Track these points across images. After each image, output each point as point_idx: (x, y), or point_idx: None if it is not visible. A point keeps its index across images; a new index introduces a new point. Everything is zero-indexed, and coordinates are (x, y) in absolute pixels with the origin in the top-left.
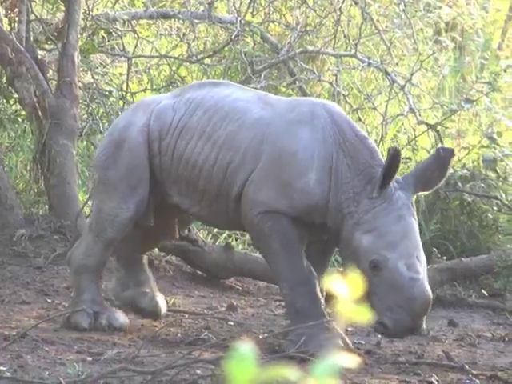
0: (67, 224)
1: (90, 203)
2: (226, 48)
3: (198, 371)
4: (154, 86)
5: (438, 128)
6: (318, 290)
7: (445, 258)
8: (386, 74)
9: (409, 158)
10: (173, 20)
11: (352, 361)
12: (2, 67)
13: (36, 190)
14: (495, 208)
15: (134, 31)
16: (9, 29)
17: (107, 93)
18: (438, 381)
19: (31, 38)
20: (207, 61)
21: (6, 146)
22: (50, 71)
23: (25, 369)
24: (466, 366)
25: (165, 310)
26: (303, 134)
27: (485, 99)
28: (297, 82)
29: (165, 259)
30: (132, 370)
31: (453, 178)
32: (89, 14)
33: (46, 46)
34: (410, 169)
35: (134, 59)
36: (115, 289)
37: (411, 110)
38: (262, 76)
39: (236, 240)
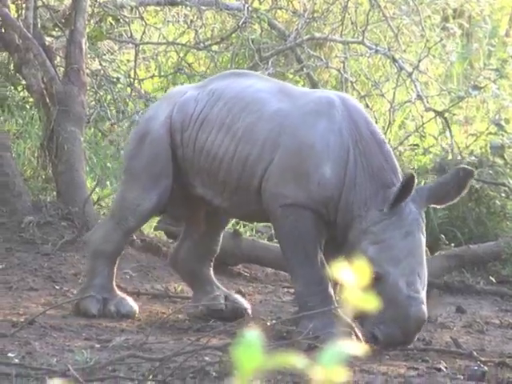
0: (75, 211)
1: (97, 190)
2: (233, 35)
3: (206, 358)
4: (162, 73)
5: (446, 115)
6: (330, 288)
7: (453, 244)
8: (394, 60)
9: (416, 145)
10: (180, 7)
11: (360, 348)
12: (10, 54)
13: (44, 177)
14: (503, 195)
15: (142, 18)
16: (16, 15)
17: (115, 79)
18: (446, 367)
19: (39, 25)
20: (215, 48)
21: (14, 133)
22: (58, 58)
23: (33, 355)
24: (474, 353)
25: (247, 307)
26: (320, 125)
27: (492, 86)
28: (304, 69)
29: (173, 246)
30: (140, 356)
31: (461, 165)
32: (96, 0)
33: (54, 33)
34: (418, 155)
35: (141, 46)
36: (190, 312)
37: (419, 97)
38: (270, 63)
39: (244, 227)
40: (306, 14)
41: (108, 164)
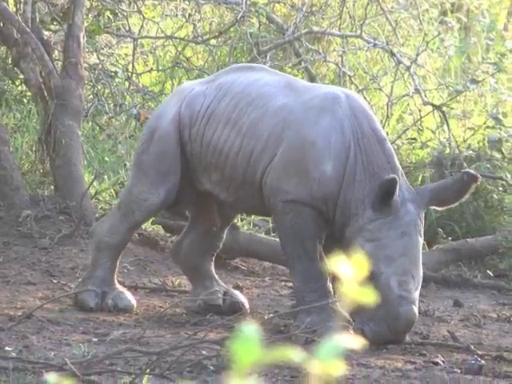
0: (72, 205)
1: (95, 184)
2: (231, 29)
3: (204, 352)
4: (160, 67)
5: (444, 109)
6: (329, 284)
7: (450, 238)
8: (392, 54)
9: (414, 139)
10: (178, 1)
11: (357, 342)
12: (8, 48)
13: (41, 171)
14: (500, 189)
15: (140, 12)
16: (14, 10)
17: (113, 73)
18: (443, 361)
19: (37, 19)
20: (213, 42)
21: (12, 127)
22: (56, 52)
23: (30, 349)
24: (472, 347)
25: (245, 302)
26: (323, 121)
27: (490, 80)
28: (302, 63)
29: (170, 240)
30: (137, 350)
31: (458, 159)
32: None
33: (52, 27)
34: (415, 149)
35: (139, 40)
36: (187, 306)
37: (417, 91)
38: (268, 57)
39: (242, 220)
40: (304, 7)
41: (106, 158)
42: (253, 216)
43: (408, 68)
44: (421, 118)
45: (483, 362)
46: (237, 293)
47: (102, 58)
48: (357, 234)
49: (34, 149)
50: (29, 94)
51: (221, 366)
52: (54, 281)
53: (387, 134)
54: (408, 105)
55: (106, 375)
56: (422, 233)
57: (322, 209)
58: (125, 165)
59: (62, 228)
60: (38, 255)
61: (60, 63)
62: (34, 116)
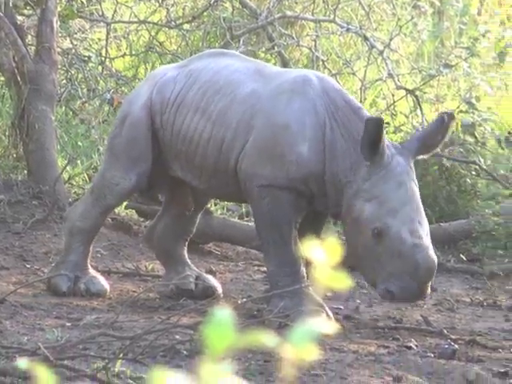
0: (46, 189)
1: (68, 168)
2: (205, 13)
3: (177, 336)
4: (133, 52)
5: (417, 93)
6: (303, 270)
7: None
8: (365, 39)
9: (387, 123)
10: None
11: (330, 326)
12: None
13: (15, 156)
14: (474, 173)
15: None
16: None
17: (86, 58)
18: (416, 345)
19: (10, 4)
20: (186, 26)
21: None
22: (29, 37)
23: (3, 334)
24: (445, 331)
25: (218, 287)
26: (294, 104)
27: (463, 64)
28: (276, 48)
29: (144, 224)
30: (111, 335)
31: None
32: None
33: (25, 12)
34: (389, 133)
35: (112, 24)
36: (160, 290)
37: (390, 75)
38: (241, 41)
39: (215, 205)
40: None
41: (79, 143)
42: (231, 202)
43: (381, 52)
44: (394, 102)
45: (456, 346)
46: (210, 277)
47: (75, 42)
48: (354, 199)
49: (7, 133)
50: (2, 78)
51: (194, 351)
52: (28, 265)
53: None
54: (381, 89)
55: (79, 360)
56: (416, 181)
57: (301, 189)
58: (98, 149)
59: (35, 213)
60: (11, 240)
61: (33, 48)
62: (7, 101)
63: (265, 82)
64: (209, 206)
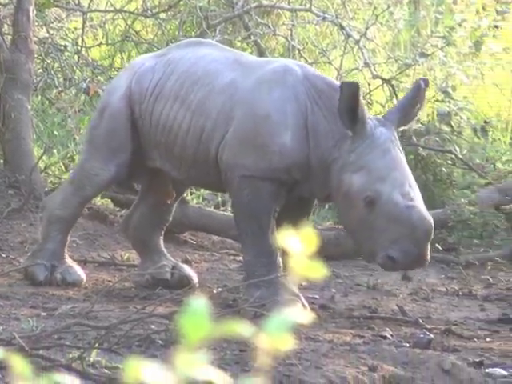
0: (22, 179)
1: (44, 158)
2: (181, 2)
3: (153, 326)
4: (109, 41)
5: (393, 82)
6: (279, 261)
7: None
8: (341, 28)
9: None
10: None
11: (306, 316)
12: None
13: None
14: (449, 162)
15: None
16: None
17: (62, 47)
18: (391, 335)
19: None
20: (162, 15)
21: None
22: (5, 26)
23: None
24: (420, 321)
25: (194, 276)
26: (274, 94)
27: (439, 53)
28: (252, 37)
29: (120, 214)
30: (86, 324)
31: (407, 132)
32: None
33: (1, 1)
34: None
35: (89, 13)
36: (136, 280)
37: (366, 65)
38: (217, 30)
39: (191, 194)
40: None
41: (55, 132)
42: (202, 190)
43: (357, 42)
44: (370, 91)
45: (432, 335)
46: (185, 267)
47: (51, 31)
48: (342, 173)
49: None
50: None
51: (169, 341)
52: (3, 255)
53: None
54: (357, 78)
55: (54, 349)
56: (401, 148)
57: (284, 178)
58: (74, 139)
59: (11, 202)
60: None
61: (9, 37)
62: None
63: (244, 72)
64: (185, 195)
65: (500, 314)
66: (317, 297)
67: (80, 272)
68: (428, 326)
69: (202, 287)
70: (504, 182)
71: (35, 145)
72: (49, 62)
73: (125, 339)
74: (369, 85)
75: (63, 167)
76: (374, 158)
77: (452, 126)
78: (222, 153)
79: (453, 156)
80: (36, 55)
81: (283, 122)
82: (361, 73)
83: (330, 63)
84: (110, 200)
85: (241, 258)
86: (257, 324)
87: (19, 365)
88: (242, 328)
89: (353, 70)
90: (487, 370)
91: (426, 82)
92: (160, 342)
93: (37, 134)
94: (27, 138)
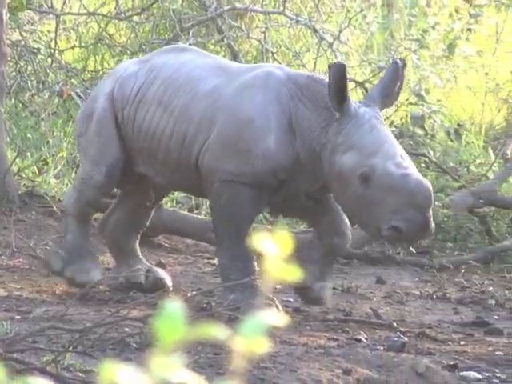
0: None
1: (18, 161)
2: (154, 5)
3: (127, 329)
4: (82, 44)
5: (367, 85)
6: (254, 265)
7: None
8: (315, 31)
9: None
10: None
11: (280, 319)
12: None
13: None
14: (423, 165)
15: None
16: None
17: (35, 50)
18: (366, 338)
19: None
20: (136, 18)
21: None
22: None
23: None
24: (394, 324)
25: (168, 280)
26: (256, 98)
27: (413, 56)
28: (225, 40)
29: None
30: (60, 328)
31: None
32: None
33: None
34: None
35: (62, 16)
36: (110, 283)
37: None
38: (191, 33)
39: (165, 198)
40: None
41: (28, 135)
42: (176, 193)
43: (331, 44)
44: None
45: (406, 338)
46: (159, 270)
47: (24, 34)
48: (332, 156)
49: None
50: None
51: (144, 344)
52: None
53: None
54: None
55: (28, 353)
56: (387, 126)
57: (269, 182)
58: (47, 142)
59: None
60: None
61: None
62: None
63: (227, 79)
64: None
65: (474, 317)
66: (291, 300)
67: (94, 273)
68: (402, 329)
69: (176, 290)
70: (477, 186)
71: (8, 148)
72: (22, 64)
73: (99, 342)
74: None
75: (37, 170)
76: (362, 135)
77: (425, 129)
78: (203, 157)
79: (426, 159)
80: (9, 58)
81: (266, 125)
82: None
83: (303, 66)
84: None
85: (215, 261)
86: (231, 327)
87: None
88: (216, 331)
89: (326, 73)
90: (461, 373)
91: (403, 60)
92: (134, 345)
93: (10, 137)
94: (0, 141)
